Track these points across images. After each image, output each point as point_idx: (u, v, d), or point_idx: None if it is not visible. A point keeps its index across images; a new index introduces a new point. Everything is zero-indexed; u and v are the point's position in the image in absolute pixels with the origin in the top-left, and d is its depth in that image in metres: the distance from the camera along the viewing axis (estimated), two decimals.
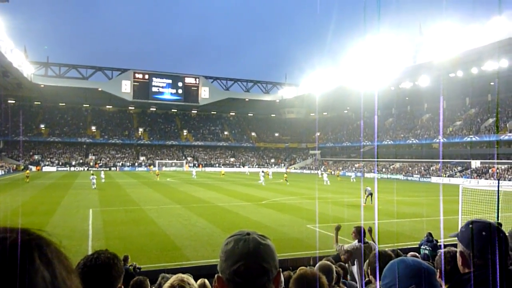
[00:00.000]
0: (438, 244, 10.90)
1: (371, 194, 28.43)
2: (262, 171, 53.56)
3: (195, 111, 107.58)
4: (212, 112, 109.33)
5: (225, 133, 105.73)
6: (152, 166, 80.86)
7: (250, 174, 70.72)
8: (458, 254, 2.05)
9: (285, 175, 52.67)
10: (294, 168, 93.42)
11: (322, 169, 79.72)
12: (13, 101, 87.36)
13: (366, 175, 71.66)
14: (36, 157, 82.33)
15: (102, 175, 48.63)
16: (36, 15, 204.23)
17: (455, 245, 2.75)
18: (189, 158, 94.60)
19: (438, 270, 2.96)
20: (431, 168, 64.90)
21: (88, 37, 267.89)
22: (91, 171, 53.89)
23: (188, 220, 21.03)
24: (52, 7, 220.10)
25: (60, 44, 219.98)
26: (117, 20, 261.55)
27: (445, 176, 59.61)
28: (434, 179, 59.78)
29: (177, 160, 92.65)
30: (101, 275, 1.95)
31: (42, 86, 77.54)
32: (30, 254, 0.68)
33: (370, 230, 7.84)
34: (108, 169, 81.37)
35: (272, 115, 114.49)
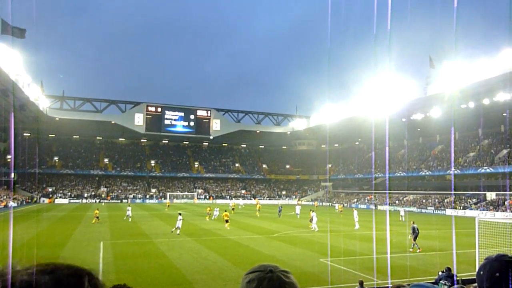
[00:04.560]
0: (458, 279, 10.57)
1: (417, 235, 22.49)
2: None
3: (207, 143, 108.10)
4: (224, 144, 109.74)
5: (236, 165, 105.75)
6: (168, 201, 78.40)
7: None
8: None
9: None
10: (306, 200, 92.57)
11: (333, 202, 78.82)
12: (29, 134, 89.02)
13: (379, 207, 70.66)
14: (49, 189, 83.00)
15: (129, 213, 40.02)
16: (52, 51, 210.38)
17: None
18: (199, 190, 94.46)
19: None
20: (445, 200, 63.78)
21: (102, 71, 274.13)
22: (128, 203, 53.87)
23: (198, 253, 20.80)
24: (68, 44, 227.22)
25: (76, 78, 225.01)
26: (129, 56, 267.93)
27: (460, 209, 58.45)
28: (448, 212, 58.58)
29: (188, 192, 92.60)
30: None
31: (57, 119, 78.98)
32: (81, 280, 0.78)
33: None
34: (119, 201, 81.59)
35: (283, 147, 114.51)
